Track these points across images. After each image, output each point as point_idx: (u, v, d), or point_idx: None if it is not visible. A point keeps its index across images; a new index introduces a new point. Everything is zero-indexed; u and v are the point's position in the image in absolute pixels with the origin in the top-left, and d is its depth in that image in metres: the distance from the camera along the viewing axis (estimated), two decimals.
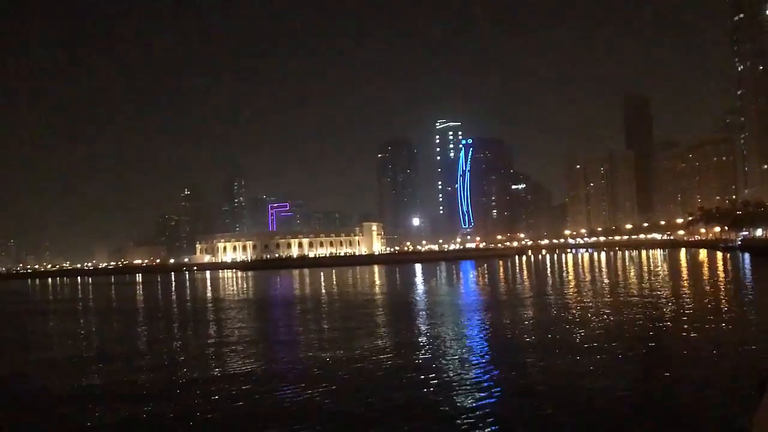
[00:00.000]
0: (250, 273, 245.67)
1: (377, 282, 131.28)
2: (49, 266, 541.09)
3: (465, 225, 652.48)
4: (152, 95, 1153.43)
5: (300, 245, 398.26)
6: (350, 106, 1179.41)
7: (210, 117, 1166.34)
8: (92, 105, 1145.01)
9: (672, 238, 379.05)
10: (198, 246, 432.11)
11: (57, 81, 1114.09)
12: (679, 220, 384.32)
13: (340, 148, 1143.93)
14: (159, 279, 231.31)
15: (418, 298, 79.80)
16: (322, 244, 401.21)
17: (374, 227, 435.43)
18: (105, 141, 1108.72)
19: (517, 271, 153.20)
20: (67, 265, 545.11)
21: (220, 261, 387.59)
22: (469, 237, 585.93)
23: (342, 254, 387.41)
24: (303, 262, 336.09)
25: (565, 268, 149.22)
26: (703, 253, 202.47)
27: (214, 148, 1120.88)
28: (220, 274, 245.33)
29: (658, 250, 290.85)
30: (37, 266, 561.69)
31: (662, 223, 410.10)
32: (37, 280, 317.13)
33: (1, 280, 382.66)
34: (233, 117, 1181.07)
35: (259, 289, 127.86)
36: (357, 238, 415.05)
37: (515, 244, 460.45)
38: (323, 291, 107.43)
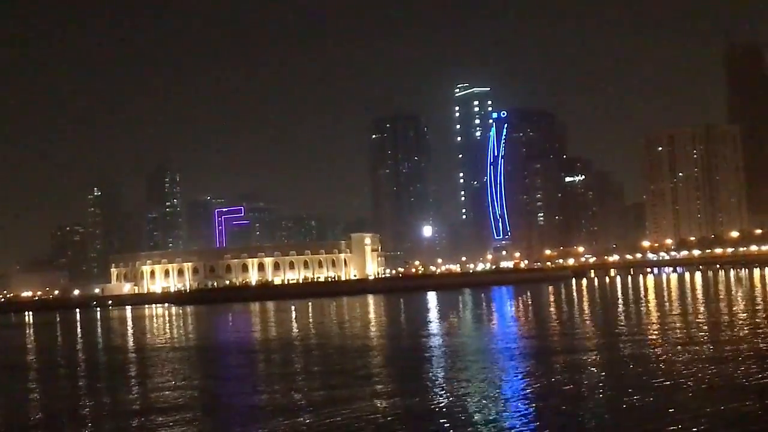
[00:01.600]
0: (189, 309, 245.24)
1: (372, 319, 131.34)
2: None
3: (499, 235, 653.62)
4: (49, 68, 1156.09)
5: (261, 267, 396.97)
6: (332, 68, 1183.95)
7: (127, 97, 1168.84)
8: None
9: None
10: (113, 270, 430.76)
11: None
12: None
13: (318, 129, 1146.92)
14: (58, 319, 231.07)
15: (430, 344, 79.78)
16: (293, 266, 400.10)
17: (368, 240, 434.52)
18: None
19: (575, 301, 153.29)
20: None
21: (146, 292, 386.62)
22: (505, 252, 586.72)
23: (322, 279, 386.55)
24: (266, 291, 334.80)
25: (644, 297, 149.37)
26: None
27: (134, 137, 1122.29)
28: (147, 311, 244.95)
29: None
30: None
31: None
32: None
33: None
34: (161, 94, 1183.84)
35: (202, 332, 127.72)
36: (343, 255, 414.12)
37: (571, 261, 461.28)
38: (294, 334, 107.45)
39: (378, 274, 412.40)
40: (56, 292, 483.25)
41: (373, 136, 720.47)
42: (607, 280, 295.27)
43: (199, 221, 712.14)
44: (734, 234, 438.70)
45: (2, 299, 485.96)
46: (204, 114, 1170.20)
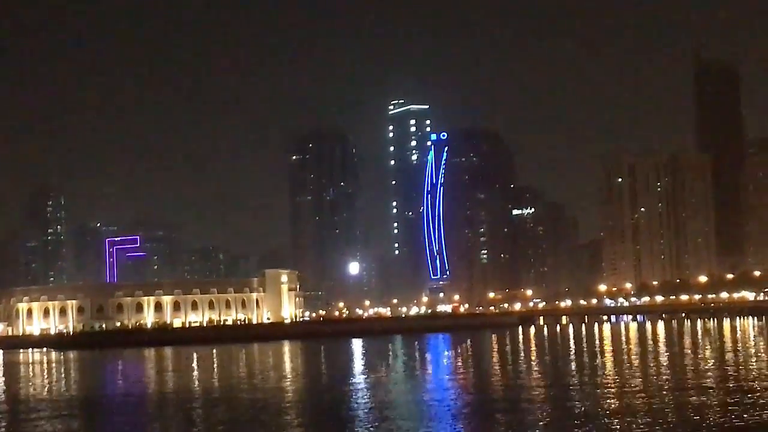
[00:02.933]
0: (72, 354, 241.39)
1: (288, 370, 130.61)
2: None
3: (436, 275, 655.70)
4: None
5: (159, 307, 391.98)
6: (246, 79, 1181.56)
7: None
8: None
9: None
10: None
11: None
12: None
13: (230, 149, 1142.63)
14: None
15: (355, 400, 79.51)
16: (196, 306, 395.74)
17: (284, 277, 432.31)
18: None
19: (521, 351, 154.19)
20: None
21: (21, 334, 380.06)
22: (442, 295, 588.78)
23: (230, 322, 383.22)
24: (164, 335, 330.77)
25: (599, 349, 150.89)
26: None
27: (9, 155, 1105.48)
28: (22, 356, 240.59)
29: (751, 318, 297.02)
30: None
31: (757, 273, 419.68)
32: None
33: None
34: (41, 109, 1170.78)
35: (86, 383, 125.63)
36: (256, 295, 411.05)
37: (518, 306, 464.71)
38: (196, 387, 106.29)
39: (296, 317, 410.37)
40: None
41: (293, 157, 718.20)
42: (558, 328, 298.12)
43: (87, 252, 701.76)
44: (702, 279, 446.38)
45: None
46: (94, 130, 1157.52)
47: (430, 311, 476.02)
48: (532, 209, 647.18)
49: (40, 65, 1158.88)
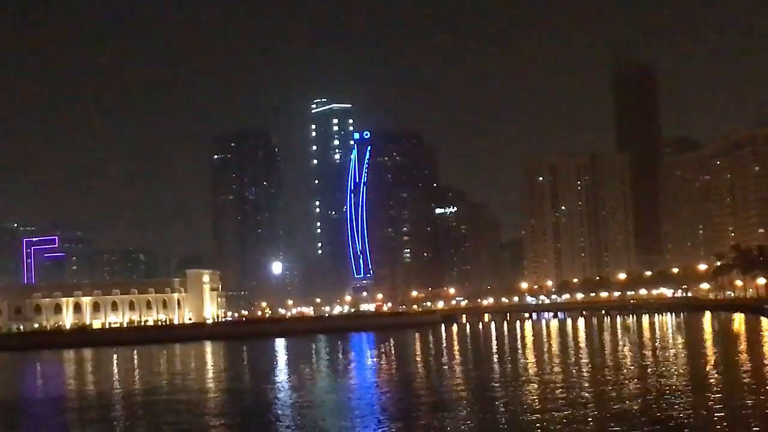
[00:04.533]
0: None
1: (210, 371, 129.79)
2: None
3: (359, 274, 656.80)
4: None
5: (78, 308, 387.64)
6: (166, 76, 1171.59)
7: None
8: None
9: (690, 295, 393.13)
10: None
11: None
12: (702, 266, 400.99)
13: (149, 147, 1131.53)
14: None
15: (277, 400, 79.37)
16: (116, 306, 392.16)
17: (206, 278, 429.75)
18: None
19: (444, 349, 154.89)
20: None
21: None
22: (365, 294, 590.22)
23: (151, 323, 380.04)
24: (83, 337, 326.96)
25: (520, 346, 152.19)
26: (739, 320, 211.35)
27: None
28: None
29: (668, 314, 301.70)
30: None
31: (675, 270, 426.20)
32: None
33: None
34: None
35: (4, 386, 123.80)
36: (177, 295, 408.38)
37: (441, 304, 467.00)
38: (116, 388, 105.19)
39: (218, 317, 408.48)
40: None
41: (215, 156, 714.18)
42: (481, 326, 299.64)
43: (3, 252, 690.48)
44: (621, 276, 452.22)
45: None
46: (10, 130, 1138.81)
47: (353, 310, 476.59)
48: (455, 208, 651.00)
49: None
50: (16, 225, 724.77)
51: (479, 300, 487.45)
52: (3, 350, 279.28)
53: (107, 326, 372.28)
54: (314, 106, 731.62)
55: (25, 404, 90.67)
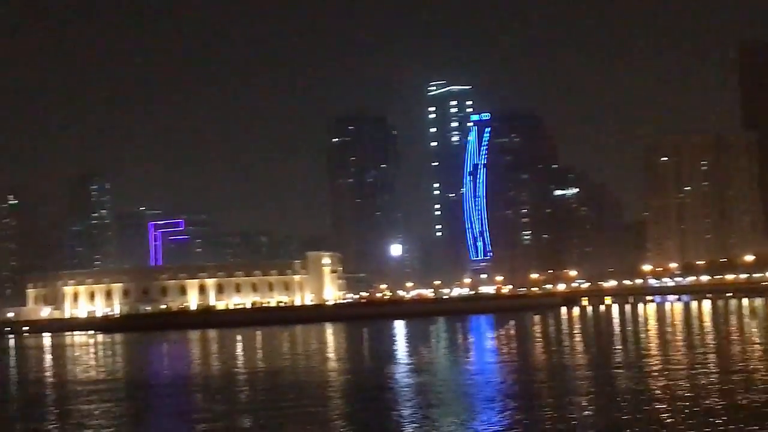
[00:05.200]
0: (118, 337, 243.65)
1: (330, 352, 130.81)
2: None
3: (478, 256, 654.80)
4: None
5: (202, 289, 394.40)
6: (285, 63, 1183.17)
7: (48, 99, 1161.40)
8: None
9: None
10: (30, 291, 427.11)
11: None
12: None
13: (270, 132, 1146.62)
14: None
15: (397, 381, 79.48)
16: (239, 288, 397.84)
17: (326, 260, 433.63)
18: None
19: (564, 332, 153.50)
20: None
21: (68, 317, 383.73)
22: (485, 276, 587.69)
23: (273, 304, 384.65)
24: (207, 318, 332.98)
25: (643, 330, 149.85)
26: None
27: (56, 140, 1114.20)
28: (69, 339, 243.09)
29: None
30: None
31: None
32: None
33: None
34: (88, 97, 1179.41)
35: (132, 364, 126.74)
36: (298, 277, 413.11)
37: (561, 287, 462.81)
38: (240, 368, 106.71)
39: (338, 299, 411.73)
40: None
41: (333, 139, 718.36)
42: (602, 308, 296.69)
43: (131, 236, 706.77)
44: (748, 258, 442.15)
45: None
46: (136, 115, 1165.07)
47: (472, 293, 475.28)
48: (575, 189, 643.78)
49: (88, 54, 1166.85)
50: (143, 209, 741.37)
51: (600, 282, 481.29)
52: (131, 330, 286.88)
53: (231, 307, 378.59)
54: (432, 88, 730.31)
55: (153, 383, 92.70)
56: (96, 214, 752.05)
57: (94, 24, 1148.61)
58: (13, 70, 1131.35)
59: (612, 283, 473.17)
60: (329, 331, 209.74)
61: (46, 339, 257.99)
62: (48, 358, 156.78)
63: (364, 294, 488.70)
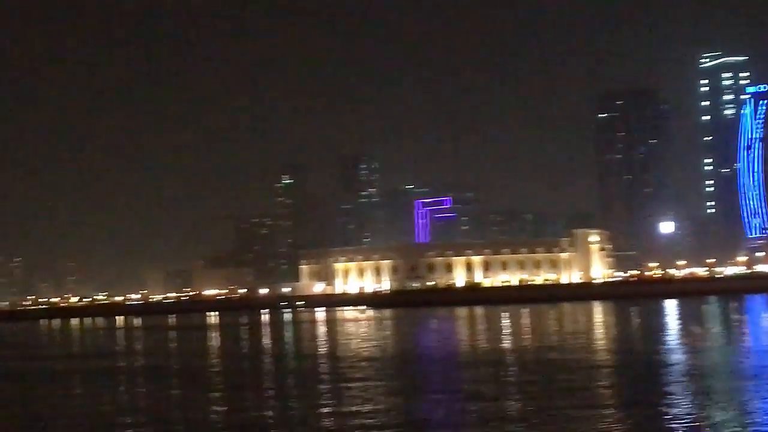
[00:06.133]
0: (387, 312, 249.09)
1: (599, 331, 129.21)
2: (75, 300, 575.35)
3: (754, 233, 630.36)
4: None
5: (469, 267, 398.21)
6: (547, 37, 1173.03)
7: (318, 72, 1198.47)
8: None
9: None
10: (304, 268, 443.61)
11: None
12: None
13: (533, 109, 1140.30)
14: (245, 320, 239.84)
15: (670, 362, 77.69)
16: (505, 266, 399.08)
17: (594, 237, 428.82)
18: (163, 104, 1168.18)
19: None
20: (102, 298, 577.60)
21: (339, 292, 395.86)
22: (762, 254, 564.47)
23: (539, 282, 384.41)
24: (474, 295, 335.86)
25: None
26: None
27: (327, 119, 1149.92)
28: (341, 314, 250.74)
29: None
30: (56, 299, 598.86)
31: None
32: (55, 321, 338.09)
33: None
34: (346, 68, 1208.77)
35: (403, 339, 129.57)
36: (565, 255, 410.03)
37: None
38: (508, 346, 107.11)
39: (606, 277, 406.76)
40: (242, 291, 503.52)
41: (600, 115, 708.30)
42: None
43: (398, 214, 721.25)
44: None
45: (186, 297, 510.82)
46: (405, 95, 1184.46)
47: (748, 271, 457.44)
48: None
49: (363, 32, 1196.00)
50: (410, 187, 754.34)
51: None
52: (399, 306, 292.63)
53: (497, 284, 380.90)
54: (705, 60, 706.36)
55: (422, 359, 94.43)
56: (365, 193, 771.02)
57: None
58: (291, 54, 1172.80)
59: None
60: (597, 310, 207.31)
61: (319, 313, 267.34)
62: (321, 331, 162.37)
63: (633, 272, 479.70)
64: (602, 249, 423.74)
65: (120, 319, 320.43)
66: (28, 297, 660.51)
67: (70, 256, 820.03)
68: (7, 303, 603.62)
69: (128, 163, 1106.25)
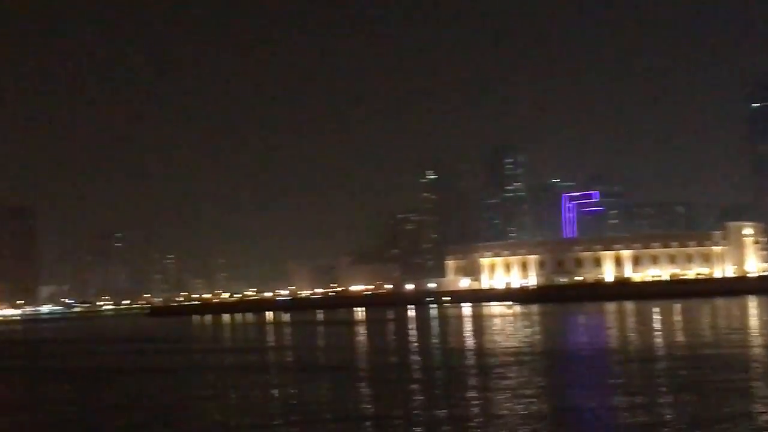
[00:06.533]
0: (534, 307, 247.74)
1: (753, 327, 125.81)
2: (226, 296, 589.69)
3: None
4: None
5: (618, 261, 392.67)
6: (699, 24, 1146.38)
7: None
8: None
9: None
10: (449, 263, 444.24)
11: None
12: None
13: (683, 99, 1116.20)
14: (392, 316, 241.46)
15: None
16: (655, 260, 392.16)
17: (748, 230, 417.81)
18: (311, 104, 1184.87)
19: None
20: (252, 293, 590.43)
21: (485, 287, 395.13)
22: None
23: (691, 276, 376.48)
24: (623, 289, 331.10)
25: None
26: None
27: (471, 113, 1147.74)
28: (487, 309, 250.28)
29: None
30: (207, 295, 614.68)
31: None
32: (206, 317, 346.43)
33: (153, 315, 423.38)
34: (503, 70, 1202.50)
35: (552, 334, 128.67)
36: (718, 249, 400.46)
37: None
38: (659, 341, 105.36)
39: (761, 271, 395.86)
40: (388, 286, 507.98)
41: (753, 105, 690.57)
42: None
43: (544, 208, 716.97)
44: None
45: (332, 293, 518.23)
46: (549, 86, 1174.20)
47: None
48: None
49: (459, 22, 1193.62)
50: (557, 181, 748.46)
51: None
52: (547, 302, 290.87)
53: (647, 279, 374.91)
54: None
55: (572, 355, 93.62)
56: (510, 187, 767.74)
57: None
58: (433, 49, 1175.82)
59: None
60: (752, 305, 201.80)
61: (466, 309, 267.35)
62: (468, 327, 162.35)
63: None
64: (756, 242, 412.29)
65: (269, 315, 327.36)
66: (181, 293, 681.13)
67: (221, 253, 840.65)
68: (161, 299, 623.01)
69: (274, 165, 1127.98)
